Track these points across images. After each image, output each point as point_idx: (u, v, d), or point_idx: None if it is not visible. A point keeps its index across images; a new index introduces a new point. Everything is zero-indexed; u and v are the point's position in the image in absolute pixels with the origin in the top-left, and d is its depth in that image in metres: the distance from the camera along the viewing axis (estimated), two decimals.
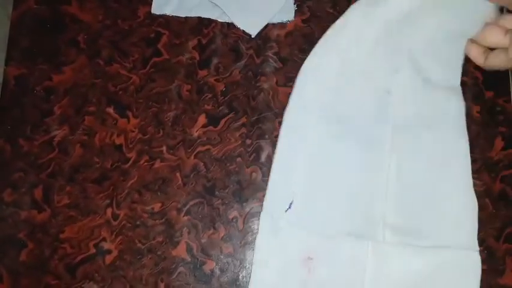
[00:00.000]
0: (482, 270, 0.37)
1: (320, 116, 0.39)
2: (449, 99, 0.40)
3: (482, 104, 0.41)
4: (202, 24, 0.44)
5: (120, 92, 0.42)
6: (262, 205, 0.38)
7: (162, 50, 0.43)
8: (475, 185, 0.39)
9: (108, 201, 0.39)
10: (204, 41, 0.43)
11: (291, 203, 0.38)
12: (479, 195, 0.38)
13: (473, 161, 0.40)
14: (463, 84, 0.42)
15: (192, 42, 0.43)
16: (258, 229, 0.38)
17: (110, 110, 0.41)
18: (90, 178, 0.40)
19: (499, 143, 0.41)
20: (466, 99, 0.41)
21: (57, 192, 0.39)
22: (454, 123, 0.39)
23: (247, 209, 0.39)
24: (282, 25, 0.43)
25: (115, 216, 0.39)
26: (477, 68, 0.43)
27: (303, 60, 0.41)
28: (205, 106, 0.42)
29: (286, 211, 0.37)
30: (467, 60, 0.43)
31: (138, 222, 0.39)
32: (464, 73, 0.42)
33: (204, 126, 0.41)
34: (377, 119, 0.39)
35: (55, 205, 0.39)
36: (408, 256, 0.36)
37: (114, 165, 0.40)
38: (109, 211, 0.39)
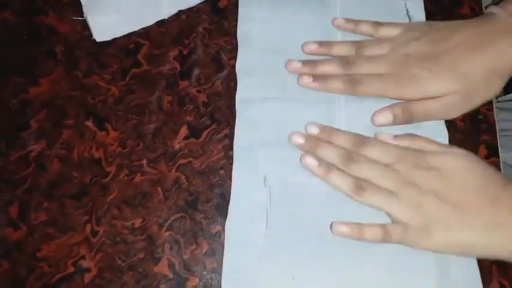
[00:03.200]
0: None
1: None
2: None
3: (465, 113, 0.41)
4: (183, 35, 0.43)
5: (99, 104, 0.41)
6: None
7: (142, 60, 0.42)
8: None
9: (87, 217, 0.38)
10: (185, 52, 0.42)
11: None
12: None
13: None
14: None
15: (173, 53, 0.42)
16: None
17: (89, 123, 0.40)
18: (69, 193, 0.39)
19: (482, 151, 0.40)
20: None
21: (33, 209, 0.38)
22: None
23: None
24: None
25: (94, 233, 0.38)
26: None
27: None
28: (187, 117, 0.41)
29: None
30: None
31: (118, 239, 0.38)
32: None
33: (185, 138, 0.40)
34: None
35: (32, 222, 0.38)
36: None
37: (93, 180, 0.39)
38: (88, 227, 0.38)
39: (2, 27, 0.43)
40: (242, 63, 0.41)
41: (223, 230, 0.38)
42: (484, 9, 0.46)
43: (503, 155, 0.45)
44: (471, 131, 0.41)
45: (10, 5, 0.44)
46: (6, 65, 0.42)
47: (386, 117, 0.38)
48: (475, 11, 0.45)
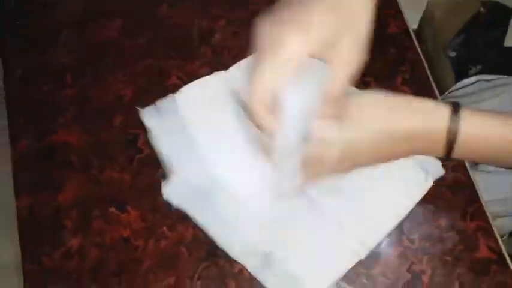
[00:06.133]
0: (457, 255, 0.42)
1: None
2: None
3: None
4: None
5: (116, 192, 0.49)
6: None
7: (142, 147, 0.50)
8: None
9: None
10: None
11: None
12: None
13: None
14: None
15: None
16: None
17: (112, 209, 0.48)
18: (110, 273, 0.45)
19: None
20: None
21: None
22: None
23: None
24: None
25: None
26: (404, 83, 0.51)
27: None
28: None
29: None
30: (394, 79, 0.51)
31: None
32: (395, 90, 0.50)
33: None
34: None
35: None
36: None
37: (127, 256, 0.46)
38: None
39: (23, 152, 0.52)
40: None
41: (244, 268, 0.44)
42: (411, 31, 0.54)
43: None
44: None
45: (25, 133, 0.53)
46: (34, 182, 0.50)
47: None
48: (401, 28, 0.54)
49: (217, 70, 0.52)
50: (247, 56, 0.51)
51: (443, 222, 0.44)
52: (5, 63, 0.56)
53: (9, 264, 0.46)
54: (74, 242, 0.47)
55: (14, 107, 0.54)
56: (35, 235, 0.48)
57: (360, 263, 0.42)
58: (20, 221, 0.48)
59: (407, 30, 0.55)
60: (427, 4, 0.85)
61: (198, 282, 0.44)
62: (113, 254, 0.46)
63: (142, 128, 0.51)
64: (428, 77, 0.52)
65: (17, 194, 0.50)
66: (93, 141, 0.51)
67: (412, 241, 0.43)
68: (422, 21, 0.81)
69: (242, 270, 0.44)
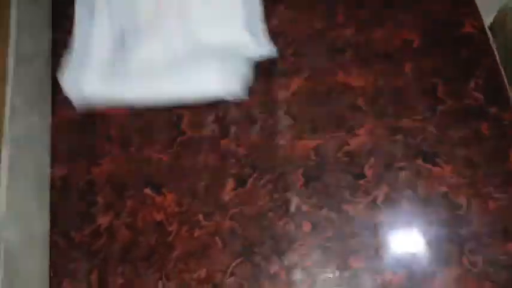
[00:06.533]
0: None
1: None
2: None
3: (489, 121, 0.43)
4: (217, 99, 0.48)
5: (154, 173, 0.46)
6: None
7: (185, 128, 0.48)
8: (500, 199, 0.40)
9: (158, 274, 0.42)
10: (220, 114, 0.48)
11: None
12: (506, 208, 0.39)
13: (494, 175, 0.41)
14: (466, 105, 0.44)
15: (211, 117, 0.48)
16: (300, 279, 0.40)
17: (147, 190, 0.45)
18: (139, 256, 0.43)
19: None
20: (472, 119, 0.44)
21: (111, 274, 0.43)
22: None
23: (286, 262, 0.41)
24: (286, 86, 0.47)
25: None
26: (477, 89, 0.46)
27: (312, 113, 0.45)
28: (231, 171, 0.45)
29: None
30: (466, 83, 0.46)
31: None
32: (466, 95, 0.45)
33: (233, 189, 0.44)
34: None
35: (109, 287, 0.42)
36: None
37: (159, 240, 0.43)
38: (160, 284, 0.42)
39: (64, 121, 0.50)
40: None
41: (281, 269, 0.40)
42: (487, 29, 0.49)
43: None
44: (497, 136, 0.43)
45: (67, 103, 0.51)
46: (71, 153, 0.48)
47: None
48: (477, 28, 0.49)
49: (273, 55, 0.48)
50: (302, 41, 0.48)
51: None
52: (53, 33, 0.55)
53: (38, 235, 0.44)
54: (104, 220, 0.45)
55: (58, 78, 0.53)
56: (65, 207, 0.46)
57: (412, 281, 0.38)
58: (52, 191, 0.47)
59: (483, 31, 0.49)
60: (499, 9, 0.78)
61: (231, 279, 0.41)
62: (144, 237, 0.44)
63: (187, 109, 0.48)
64: (505, 86, 0.46)
65: (53, 163, 0.48)
66: (135, 117, 0.49)
67: (474, 264, 0.39)
68: (493, 26, 0.75)
69: (279, 272, 0.40)
